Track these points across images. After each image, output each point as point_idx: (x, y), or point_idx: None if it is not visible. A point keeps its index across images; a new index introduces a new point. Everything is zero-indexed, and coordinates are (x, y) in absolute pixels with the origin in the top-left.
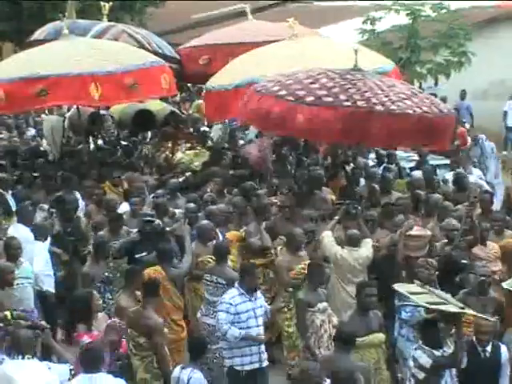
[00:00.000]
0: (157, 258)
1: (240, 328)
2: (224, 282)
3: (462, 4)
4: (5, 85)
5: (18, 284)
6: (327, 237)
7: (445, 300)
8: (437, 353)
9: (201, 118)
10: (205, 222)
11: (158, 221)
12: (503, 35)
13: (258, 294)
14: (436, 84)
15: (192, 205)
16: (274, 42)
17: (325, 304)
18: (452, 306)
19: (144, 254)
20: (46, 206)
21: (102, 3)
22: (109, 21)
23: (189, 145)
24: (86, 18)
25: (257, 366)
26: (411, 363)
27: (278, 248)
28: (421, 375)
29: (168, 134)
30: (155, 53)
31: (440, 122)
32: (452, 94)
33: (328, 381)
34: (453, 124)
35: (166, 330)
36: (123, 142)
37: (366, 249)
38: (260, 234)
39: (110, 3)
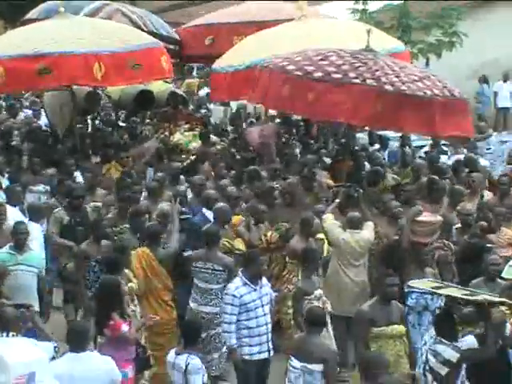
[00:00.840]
0: (145, 239)
1: (248, 319)
2: (221, 268)
3: None
4: (5, 61)
5: (17, 270)
6: (329, 219)
7: (472, 291)
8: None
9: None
10: (221, 204)
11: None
12: (496, 15)
13: (264, 280)
14: (427, 64)
15: (183, 187)
16: (281, 21)
17: (320, 291)
18: (488, 296)
19: (190, 252)
20: (35, 188)
21: None
22: None
23: (187, 126)
24: None
25: (266, 355)
26: (431, 357)
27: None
28: (444, 370)
29: (167, 115)
30: (151, 33)
31: (453, 105)
32: (444, 73)
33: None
34: (466, 109)
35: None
36: (121, 123)
37: (368, 231)
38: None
39: None
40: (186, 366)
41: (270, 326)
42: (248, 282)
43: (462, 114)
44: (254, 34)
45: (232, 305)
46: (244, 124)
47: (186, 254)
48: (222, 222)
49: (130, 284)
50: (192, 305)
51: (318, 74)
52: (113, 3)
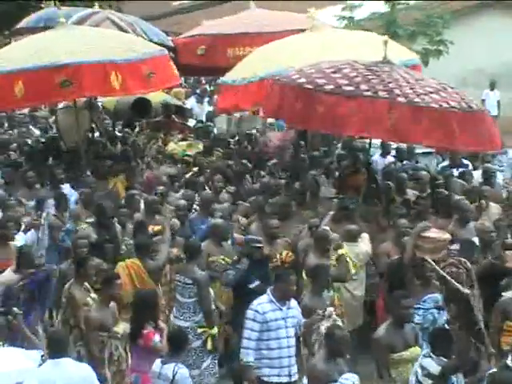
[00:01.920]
0: (134, 251)
1: (269, 338)
2: (190, 282)
3: None
4: (22, 74)
5: None
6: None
7: None
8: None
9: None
10: (219, 220)
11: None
12: (482, 23)
13: (293, 303)
14: None
15: (183, 202)
16: (279, 33)
17: (331, 309)
18: None
19: (257, 283)
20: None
21: None
22: (85, 6)
23: (181, 136)
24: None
25: (285, 380)
26: (419, 371)
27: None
28: (427, 383)
29: (159, 125)
30: None
31: (473, 117)
32: None
33: None
34: (488, 122)
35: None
36: (118, 134)
37: (365, 244)
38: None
39: None
40: (174, 376)
41: (293, 349)
42: (274, 300)
43: (485, 126)
44: (265, 46)
45: (253, 320)
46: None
47: (252, 286)
48: (220, 239)
49: None
50: (171, 318)
51: (329, 87)
52: (102, 11)
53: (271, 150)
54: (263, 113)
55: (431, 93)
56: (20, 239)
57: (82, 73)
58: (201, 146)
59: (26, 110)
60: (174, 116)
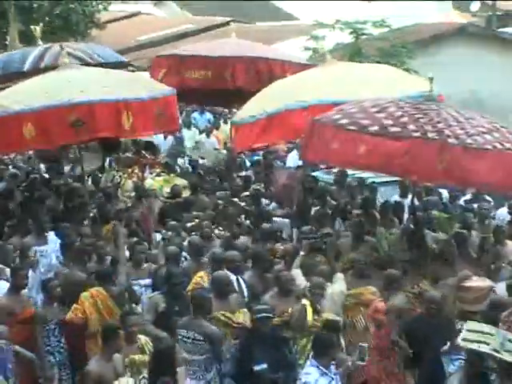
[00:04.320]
0: (96, 280)
1: None
2: (201, 338)
3: (406, 21)
4: (31, 115)
5: None
6: (298, 275)
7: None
8: None
9: None
10: (221, 272)
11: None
12: (447, 51)
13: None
14: None
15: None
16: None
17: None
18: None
19: (264, 365)
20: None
21: (32, 27)
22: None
23: (158, 170)
24: (29, 42)
25: None
26: None
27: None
28: None
29: (129, 161)
30: (100, 65)
31: None
32: None
33: None
34: None
35: None
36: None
37: (339, 284)
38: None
39: (41, 25)
40: None
41: None
42: (325, 371)
43: None
44: (274, 83)
45: None
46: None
47: (257, 368)
48: (222, 293)
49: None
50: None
51: (374, 128)
52: (54, 44)
53: (277, 190)
54: (302, 155)
55: (484, 133)
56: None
57: (95, 112)
58: (178, 181)
59: None
60: (143, 152)
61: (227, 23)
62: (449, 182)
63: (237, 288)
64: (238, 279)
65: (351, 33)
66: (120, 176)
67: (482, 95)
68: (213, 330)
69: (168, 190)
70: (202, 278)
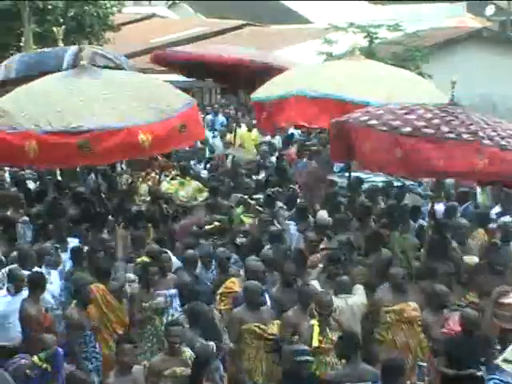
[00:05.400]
0: (95, 276)
1: None
2: None
3: (420, 25)
4: (37, 135)
5: None
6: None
7: None
8: None
9: None
10: (254, 282)
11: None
12: (461, 55)
13: None
14: None
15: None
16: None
17: None
18: None
19: None
20: None
21: (55, 28)
22: (65, 45)
23: (173, 173)
24: (43, 43)
25: None
26: None
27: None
28: None
29: (142, 164)
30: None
31: None
32: None
33: None
34: None
35: None
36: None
37: (359, 295)
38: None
39: (63, 27)
40: None
41: None
42: None
43: None
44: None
45: None
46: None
47: None
48: (254, 303)
49: None
50: None
51: (407, 129)
52: (85, 46)
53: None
54: (331, 156)
55: None
56: None
57: (106, 139)
58: (194, 184)
59: None
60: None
61: (241, 26)
62: (488, 182)
63: None
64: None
65: (365, 36)
66: (132, 179)
67: (496, 99)
68: (201, 347)
69: (183, 193)
70: (234, 284)
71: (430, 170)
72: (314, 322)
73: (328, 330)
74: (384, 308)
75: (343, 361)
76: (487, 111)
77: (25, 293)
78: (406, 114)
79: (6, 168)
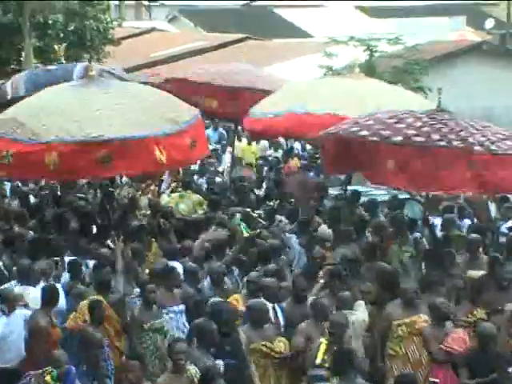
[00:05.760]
0: (95, 289)
1: None
2: None
3: (420, 39)
4: (59, 146)
5: None
6: None
7: None
8: None
9: None
10: (257, 300)
11: None
12: (460, 69)
13: None
14: None
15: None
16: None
17: None
18: None
19: None
20: None
21: (56, 46)
22: (65, 59)
23: (173, 185)
24: (44, 58)
25: None
26: None
27: None
28: None
29: (142, 175)
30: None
31: None
32: None
33: None
34: None
35: None
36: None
37: (361, 312)
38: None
39: (64, 44)
40: None
41: None
42: None
43: None
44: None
45: None
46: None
47: None
48: (258, 322)
49: None
50: None
51: (398, 138)
52: (93, 64)
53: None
54: (325, 169)
55: (503, 140)
56: None
57: (124, 149)
58: (194, 197)
59: None
60: None
61: (241, 40)
62: (480, 190)
63: (273, 316)
64: (274, 307)
65: (365, 50)
66: (134, 192)
67: (496, 112)
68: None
69: (184, 206)
70: (237, 301)
71: (424, 180)
72: (323, 339)
73: None
74: (395, 321)
75: (336, 378)
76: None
77: (19, 312)
78: (395, 123)
79: (6, 182)
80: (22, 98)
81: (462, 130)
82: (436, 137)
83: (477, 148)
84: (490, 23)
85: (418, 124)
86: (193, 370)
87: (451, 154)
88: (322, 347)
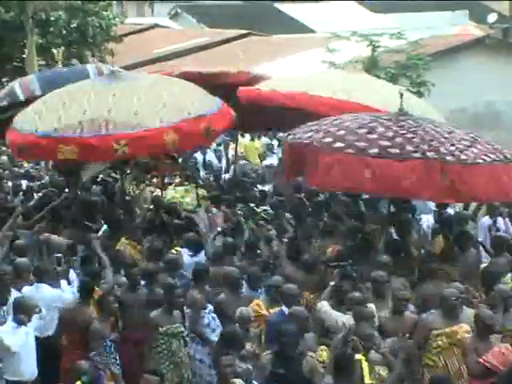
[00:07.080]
0: (90, 280)
1: None
2: None
3: (423, 34)
4: (77, 140)
5: None
6: (323, 306)
7: None
8: None
9: None
10: (299, 309)
11: None
12: (463, 63)
13: None
14: None
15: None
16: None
17: None
18: None
19: None
20: None
21: (55, 50)
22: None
23: (177, 180)
24: (46, 55)
25: None
26: None
27: None
28: None
29: (147, 167)
30: None
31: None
32: None
33: None
34: None
35: None
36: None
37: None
38: None
39: (63, 48)
40: None
41: None
42: None
43: None
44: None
45: None
46: None
47: None
48: (302, 332)
49: None
50: None
51: (374, 150)
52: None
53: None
54: (285, 173)
55: (469, 147)
56: None
57: (137, 138)
58: (199, 192)
59: None
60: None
61: (244, 36)
62: (456, 199)
63: None
64: None
65: (368, 45)
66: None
67: (498, 107)
68: None
69: (189, 200)
70: (259, 307)
71: (401, 188)
72: (360, 356)
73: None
74: (434, 331)
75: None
76: (491, 118)
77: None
78: (367, 133)
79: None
80: (39, 97)
81: (432, 140)
82: (410, 148)
83: (448, 158)
84: (492, 17)
85: (390, 134)
86: (238, 383)
87: (426, 165)
88: (365, 365)
